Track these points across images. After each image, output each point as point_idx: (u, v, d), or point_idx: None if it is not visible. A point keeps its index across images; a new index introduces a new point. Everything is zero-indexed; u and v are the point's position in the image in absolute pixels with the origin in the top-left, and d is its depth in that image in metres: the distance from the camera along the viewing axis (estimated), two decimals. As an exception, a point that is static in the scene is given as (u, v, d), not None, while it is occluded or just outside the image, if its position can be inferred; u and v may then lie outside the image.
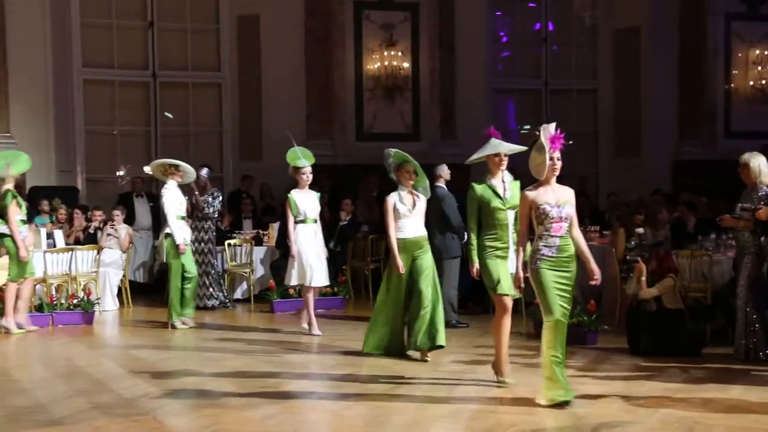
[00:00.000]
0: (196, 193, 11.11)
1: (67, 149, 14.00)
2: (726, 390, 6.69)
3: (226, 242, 11.72)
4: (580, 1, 15.97)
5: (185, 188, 10.46)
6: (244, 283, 11.88)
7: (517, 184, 6.89)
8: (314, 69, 14.47)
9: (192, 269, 9.92)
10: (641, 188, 13.37)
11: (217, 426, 5.78)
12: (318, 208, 9.19)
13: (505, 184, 6.88)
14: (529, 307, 10.15)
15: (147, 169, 10.17)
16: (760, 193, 7.71)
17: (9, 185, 9.45)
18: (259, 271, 11.94)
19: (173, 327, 9.70)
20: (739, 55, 15.57)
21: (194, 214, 11.15)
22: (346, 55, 14.51)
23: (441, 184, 9.66)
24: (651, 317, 8.14)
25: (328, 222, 13.15)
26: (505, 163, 6.88)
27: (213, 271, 11.26)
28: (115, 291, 11.25)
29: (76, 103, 14.16)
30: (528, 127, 16.20)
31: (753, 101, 15.65)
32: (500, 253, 6.75)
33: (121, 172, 14.74)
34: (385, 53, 14.52)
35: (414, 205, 7.91)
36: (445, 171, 9.76)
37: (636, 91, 15.45)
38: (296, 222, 9.05)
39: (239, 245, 11.86)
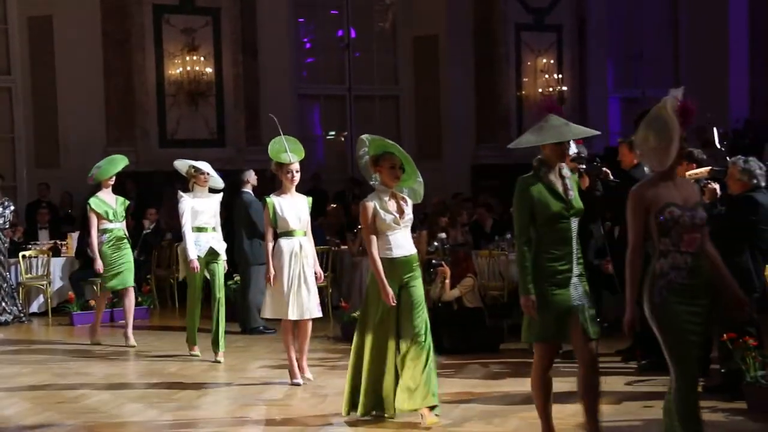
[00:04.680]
0: (-16, 203, 10.53)
1: None
2: (522, 383, 6.95)
3: (21, 254, 11.14)
4: (380, 8, 16.32)
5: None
6: (41, 296, 11.31)
7: (575, 178, 4.99)
8: (113, 73, 14.00)
9: (217, 292, 8.17)
10: (442, 191, 13.82)
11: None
12: (307, 217, 7.02)
13: (565, 181, 4.84)
14: (336, 310, 10.31)
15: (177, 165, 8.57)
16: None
17: (101, 192, 8.98)
18: (57, 283, 11.40)
19: (191, 354, 8.35)
20: (529, 63, 16.37)
21: (-18, 226, 10.56)
22: (146, 60, 14.11)
23: (248, 189, 9.69)
24: (452, 316, 8.43)
25: (132, 231, 12.78)
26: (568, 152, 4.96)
27: (5, 285, 10.68)
28: None
29: None
30: (333, 133, 16.40)
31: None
32: (560, 278, 4.72)
33: None
34: (187, 58, 14.25)
35: (401, 212, 5.79)
36: (252, 176, 9.78)
37: (436, 98, 15.89)
38: (279, 235, 6.88)
39: (35, 257, 11.30)
